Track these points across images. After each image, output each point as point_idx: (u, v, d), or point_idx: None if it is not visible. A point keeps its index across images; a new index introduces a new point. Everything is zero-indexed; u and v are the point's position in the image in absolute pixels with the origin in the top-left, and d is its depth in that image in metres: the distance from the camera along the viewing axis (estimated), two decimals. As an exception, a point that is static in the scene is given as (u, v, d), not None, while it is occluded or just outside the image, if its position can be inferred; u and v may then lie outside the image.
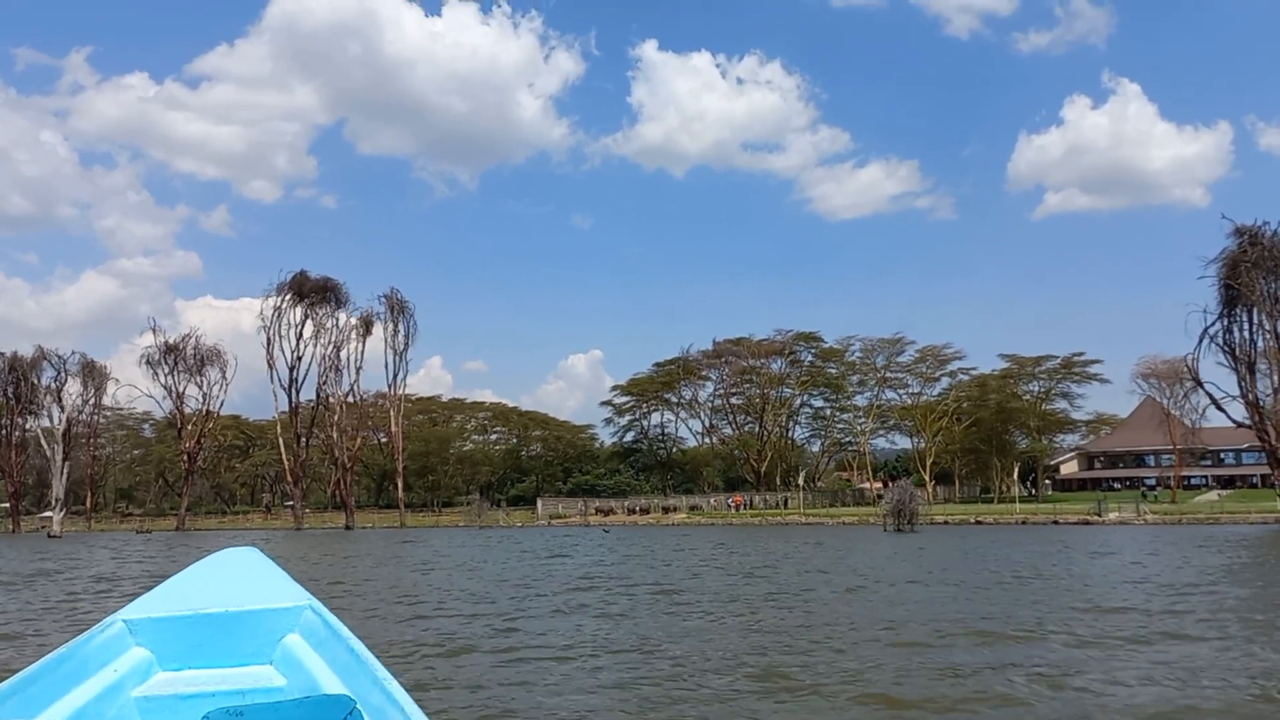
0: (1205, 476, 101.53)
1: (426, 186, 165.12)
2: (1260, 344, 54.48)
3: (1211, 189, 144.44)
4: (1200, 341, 54.76)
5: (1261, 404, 54.83)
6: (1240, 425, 55.74)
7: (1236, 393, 56.55)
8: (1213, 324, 54.43)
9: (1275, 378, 53.79)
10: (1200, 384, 55.74)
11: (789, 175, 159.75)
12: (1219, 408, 57.80)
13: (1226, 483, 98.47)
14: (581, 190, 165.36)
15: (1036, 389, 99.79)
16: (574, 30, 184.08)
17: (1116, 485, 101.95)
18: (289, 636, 3.54)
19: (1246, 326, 54.26)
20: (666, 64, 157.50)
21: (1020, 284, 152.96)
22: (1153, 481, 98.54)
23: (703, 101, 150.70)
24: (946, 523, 59.47)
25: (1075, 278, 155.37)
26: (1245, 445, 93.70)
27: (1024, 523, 58.35)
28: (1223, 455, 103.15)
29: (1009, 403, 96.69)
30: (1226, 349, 55.19)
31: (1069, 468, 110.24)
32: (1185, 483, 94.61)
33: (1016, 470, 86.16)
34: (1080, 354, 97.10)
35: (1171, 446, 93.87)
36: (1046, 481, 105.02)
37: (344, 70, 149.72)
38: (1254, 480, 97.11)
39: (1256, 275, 53.38)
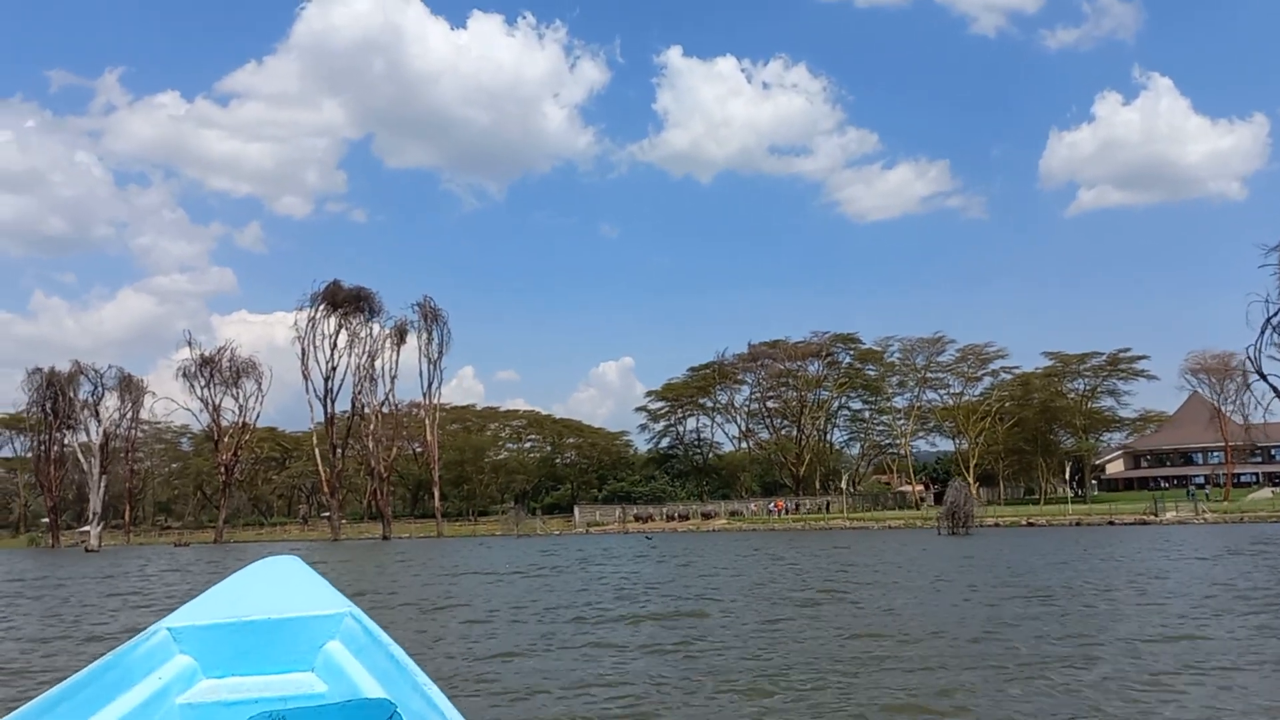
0: (1256, 474, 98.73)
1: (455, 199, 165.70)
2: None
3: (1249, 182, 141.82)
4: (1262, 332, 52.75)
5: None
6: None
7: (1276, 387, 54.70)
8: (1275, 314, 52.44)
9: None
10: (1264, 376, 53.74)
11: (817, 178, 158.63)
12: (1281, 396, 55.61)
13: (1278, 479, 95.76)
14: (608, 199, 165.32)
15: (1081, 387, 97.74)
16: (598, 39, 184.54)
17: (1164, 484, 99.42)
18: (330, 644, 3.58)
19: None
20: (691, 70, 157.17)
21: (1057, 282, 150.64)
22: (1201, 480, 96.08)
23: (729, 107, 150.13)
24: (998, 525, 57.85)
25: (1114, 274, 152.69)
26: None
27: (1078, 524, 56.64)
28: (1274, 452, 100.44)
29: (1053, 401, 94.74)
30: (1290, 340, 53.20)
31: (1114, 467, 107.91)
32: (1235, 480, 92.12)
33: (1067, 470, 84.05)
34: (1126, 350, 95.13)
35: (1220, 443, 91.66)
36: (1092, 481, 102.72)
37: (370, 86, 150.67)
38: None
39: (1324, 262, 51.43)
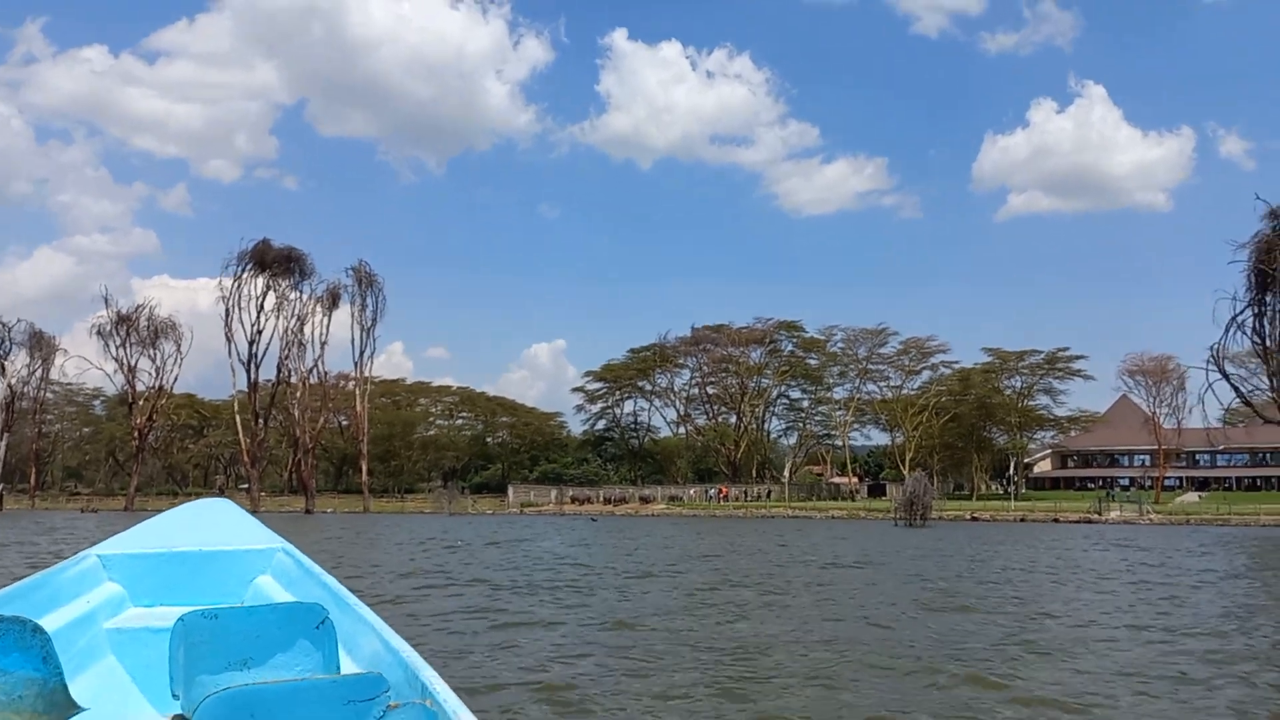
0: (1179, 478, 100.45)
1: (392, 171, 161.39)
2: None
3: (1174, 194, 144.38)
4: (1227, 330, 52.43)
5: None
6: (1268, 421, 53.50)
7: (1253, 386, 54.49)
8: (1241, 311, 52.23)
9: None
10: (1226, 375, 53.56)
11: (757, 169, 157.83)
12: (1247, 402, 55.52)
13: (1201, 484, 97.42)
14: (549, 179, 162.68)
15: (1019, 384, 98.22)
16: (543, 17, 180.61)
17: (1090, 485, 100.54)
18: (261, 577, 3.57)
19: (1276, 318, 51.87)
20: (636, 54, 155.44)
21: (992, 283, 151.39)
22: (1127, 482, 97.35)
23: (672, 93, 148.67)
24: (940, 519, 57.00)
25: (1048, 277, 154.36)
26: (1221, 447, 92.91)
27: (1023, 520, 56.20)
28: (1198, 457, 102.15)
29: (990, 398, 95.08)
30: (1257, 338, 52.90)
31: (1042, 466, 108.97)
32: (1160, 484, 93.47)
33: (1009, 466, 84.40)
34: (1065, 349, 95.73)
35: (1149, 446, 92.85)
36: (1018, 480, 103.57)
37: (307, 50, 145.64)
38: (1229, 483, 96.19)
39: (1293, 259, 51.15)
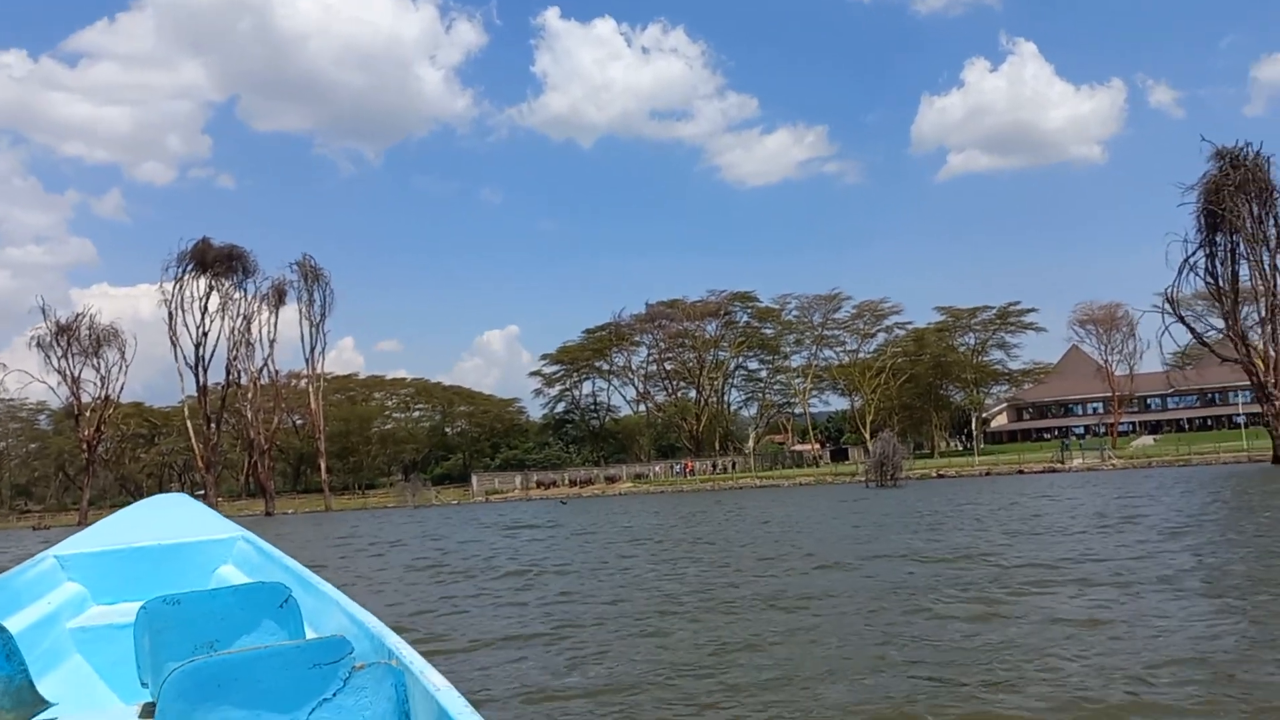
0: (1132, 423, 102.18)
1: (330, 164, 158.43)
2: (1245, 273, 52.60)
3: (1108, 145, 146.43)
4: (1180, 272, 52.77)
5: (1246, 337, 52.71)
6: (1225, 360, 54.14)
7: (1207, 325, 55.08)
8: (1193, 253, 52.56)
9: (1262, 308, 52.08)
10: (1182, 318, 53.98)
11: (698, 142, 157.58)
12: (1202, 342, 56.01)
13: (1154, 428, 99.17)
14: (489, 164, 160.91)
15: (972, 341, 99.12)
16: (474, 0, 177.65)
17: (1046, 435, 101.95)
18: (223, 566, 3.54)
19: (1227, 257, 52.40)
20: (570, 33, 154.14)
21: (934, 245, 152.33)
22: (1081, 430, 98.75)
23: (609, 71, 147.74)
24: (908, 478, 57.22)
25: (992, 234, 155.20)
26: (1170, 391, 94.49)
27: (988, 474, 56.61)
28: (1149, 401, 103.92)
29: (945, 356, 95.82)
30: (1209, 278, 53.44)
31: (998, 420, 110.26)
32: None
33: (972, 422, 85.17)
34: (1016, 303, 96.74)
35: (1102, 394, 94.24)
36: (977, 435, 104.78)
37: (235, 46, 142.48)
38: (1181, 424, 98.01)
39: (1240, 199, 51.61)
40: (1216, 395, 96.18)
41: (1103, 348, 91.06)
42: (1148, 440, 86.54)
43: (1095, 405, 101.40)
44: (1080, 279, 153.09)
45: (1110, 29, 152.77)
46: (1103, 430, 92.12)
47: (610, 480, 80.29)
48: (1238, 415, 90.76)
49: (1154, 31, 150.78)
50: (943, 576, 12.42)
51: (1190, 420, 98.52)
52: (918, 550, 15.87)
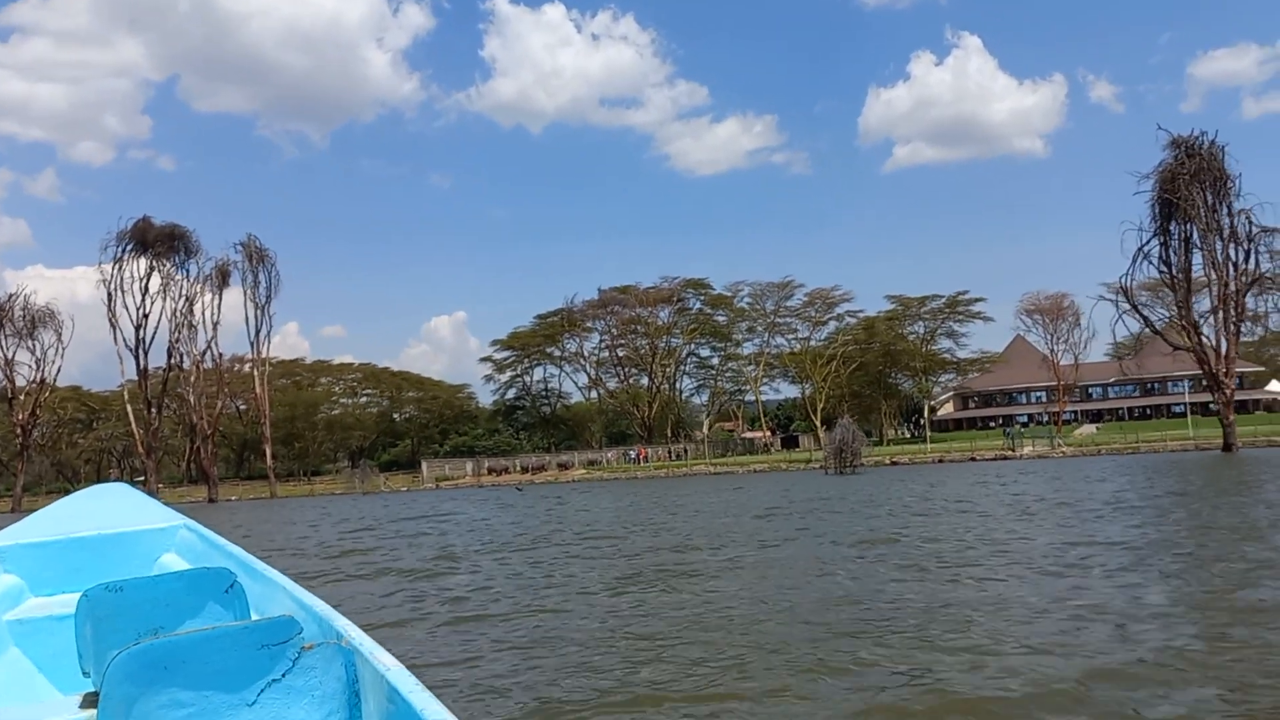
0: (1075, 412, 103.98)
1: (273, 146, 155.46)
2: (1197, 262, 53.44)
3: (1049, 139, 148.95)
4: (1134, 261, 53.37)
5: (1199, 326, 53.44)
6: (1177, 349, 54.88)
7: (1159, 316, 55.83)
8: (1148, 242, 53.16)
9: (1214, 297, 52.92)
10: (1136, 307, 54.62)
11: (648, 130, 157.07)
12: (1155, 331, 56.74)
13: (1095, 417, 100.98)
14: (438, 149, 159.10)
15: (922, 329, 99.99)
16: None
17: (991, 424, 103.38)
18: (166, 555, 3.48)
19: (1180, 246, 53.12)
20: (520, 18, 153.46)
21: (882, 237, 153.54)
22: (1025, 418, 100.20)
23: (558, 57, 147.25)
24: (863, 465, 57.38)
25: (935, 227, 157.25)
26: (1112, 380, 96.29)
27: (941, 461, 57.07)
28: (1091, 390, 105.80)
29: (895, 344, 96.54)
30: (1164, 267, 54.13)
31: (945, 409, 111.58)
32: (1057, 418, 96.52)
33: (925, 410, 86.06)
34: (965, 292, 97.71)
35: (1046, 383, 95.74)
36: (923, 423, 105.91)
37: (174, 24, 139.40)
38: (1121, 413, 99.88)
39: (1195, 188, 52.28)
40: (1155, 385, 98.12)
41: (1049, 337, 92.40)
42: (1090, 429, 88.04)
43: (1039, 394, 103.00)
44: (1025, 269, 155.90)
45: (1053, 24, 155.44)
46: (1046, 419, 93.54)
47: (563, 467, 79.74)
48: (1176, 405, 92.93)
49: (1095, 28, 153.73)
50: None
51: (1130, 409, 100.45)
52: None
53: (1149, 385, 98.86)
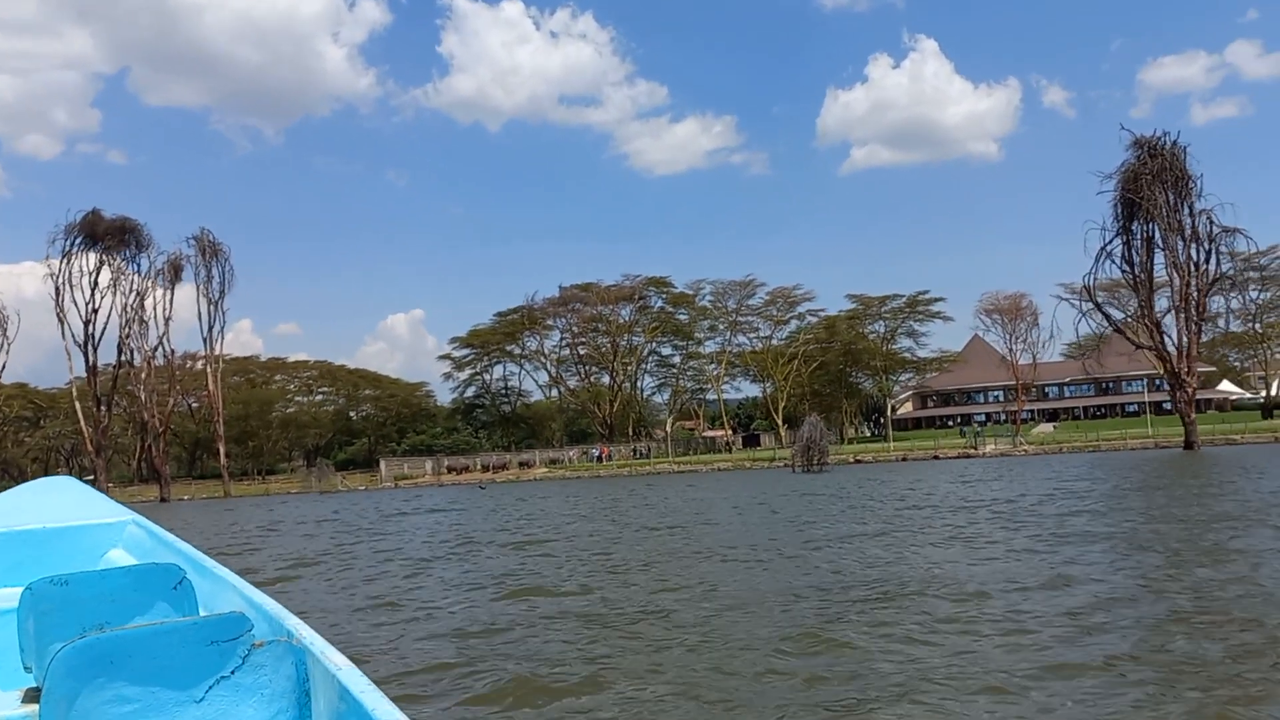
0: (1032, 410, 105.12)
1: (226, 141, 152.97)
2: (1159, 261, 53.90)
3: (1004, 143, 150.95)
4: (1097, 260, 53.70)
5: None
6: (1139, 347, 55.35)
7: (1111, 316, 56.33)
8: (1110, 241, 53.57)
9: (1176, 296, 53.44)
10: (1099, 305, 55.10)
11: (607, 129, 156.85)
12: (1118, 329, 57.15)
13: (1052, 416, 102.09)
14: (394, 145, 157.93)
15: (882, 329, 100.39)
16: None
17: (950, 423, 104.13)
18: (113, 550, 3.44)
19: (1142, 245, 53.50)
20: (477, 14, 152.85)
21: (841, 239, 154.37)
22: (983, 417, 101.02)
23: (516, 54, 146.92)
24: (828, 463, 57.35)
25: (893, 228, 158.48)
26: (1069, 379, 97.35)
27: (904, 459, 57.10)
28: (1048, 390, 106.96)
29: (856, 343, 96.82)
30: (1126, 266, 54.54)
31: (905, 408, 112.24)
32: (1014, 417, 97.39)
33: (885, 409, 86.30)
34: (925, 292, 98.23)
35: (1003, 382, 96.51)
36: (884, 422, 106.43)
37: (124, 16, 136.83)
38: (1077, 412, 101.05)
39: (1158, 188, 52.64)
40: (1110, 384, 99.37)
41: (1007, 337, 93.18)
42: (1047, 427, 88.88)
43: (996, 394, 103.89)
44: (981, 270, 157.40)
45: (1007, 30, 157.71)
46: (1004, 417, 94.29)
47: (525, 465, 78.91)
48: (1130, 404, 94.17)
49: (1049, 33, 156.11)
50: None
51: (1086, 408, 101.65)
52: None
53: (1105, 384, 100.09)
